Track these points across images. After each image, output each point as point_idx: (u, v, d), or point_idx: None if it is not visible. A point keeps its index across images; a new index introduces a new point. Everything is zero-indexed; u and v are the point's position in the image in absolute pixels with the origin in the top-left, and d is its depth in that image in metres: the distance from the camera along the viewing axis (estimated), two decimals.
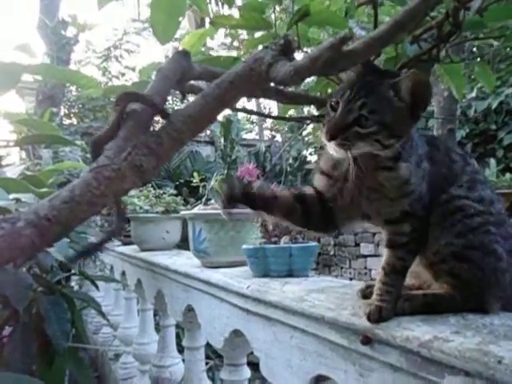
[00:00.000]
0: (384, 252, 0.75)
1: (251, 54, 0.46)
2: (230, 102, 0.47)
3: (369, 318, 0.71)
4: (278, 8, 0.75)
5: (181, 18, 0.67)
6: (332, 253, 5.13)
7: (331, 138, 0.65)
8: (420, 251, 0.76)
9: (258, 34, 0.84)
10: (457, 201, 0.73)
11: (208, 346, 1.59)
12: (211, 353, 2.64)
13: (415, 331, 0.66)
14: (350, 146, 0.65)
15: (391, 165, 0.70)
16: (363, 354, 0.75)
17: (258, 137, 12.67)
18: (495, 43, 0.76)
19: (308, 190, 0.81)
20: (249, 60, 0.45)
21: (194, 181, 1.76)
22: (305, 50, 0.82)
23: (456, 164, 0.77)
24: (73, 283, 2.47)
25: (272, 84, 0.47)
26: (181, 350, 1.87)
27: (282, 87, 0.66)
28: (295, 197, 0.81)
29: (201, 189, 1.73)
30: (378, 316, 0.71)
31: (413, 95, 0.63)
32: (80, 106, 7.90)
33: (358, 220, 0.80)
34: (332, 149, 0.67)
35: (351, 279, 4.71)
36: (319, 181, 0.80)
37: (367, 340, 0.73)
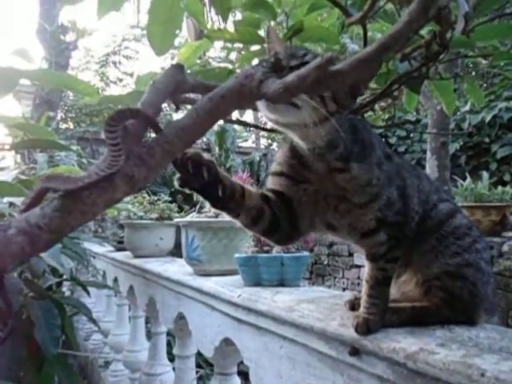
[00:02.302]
0: (366, 264, 0.75)
1: (243, 69, 0.47)
2: (222, 116, 0.48)
3: (356, 330, 0.72)
4: (272, 23, 0.77)
5: (177, 31, 0.69)
6: (326, 262, 5.14)
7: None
8: (410, 273, 0.77)
9: (254, 48, 0.86)
10: (446, 226, 0.75)
11: (199, 354, 1.59)
12: (202, 361, 2.62)
13: (402, 343, 0.67)
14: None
15: (341, 166, 0.68)
16: (351, 364, 0.76)
17: (254, 145, 12.70)
18: (484, 61, 0.78)
19: (268, 193, 0.75)
20: (240, 76, 0.46)
21: None
22: None
23: (424, 181, 0.79)
24: (64, 289, 2.46)
25: None
26: (172, 358, 1.86)
27: None
28: (262, 197, 0.74)
29: (195, 196, 1.73)
30: (365, 328, 0.71)
31: None
32: (77, 110, 7.91)
33: (321, 229, 0.77)
34: (272, 108, 0.57)
35: (344, 289, 4.71)
36: (277, 181, 0.75)
37: (355, 351, 0.74)
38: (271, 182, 0.76)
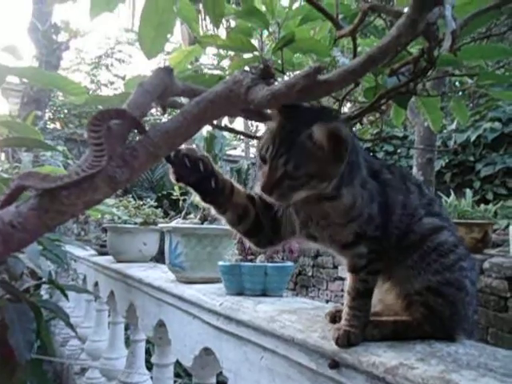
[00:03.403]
0: (348, 276, 0.75)
1: (232, 74, 0.47)
2: (209, 120, 0.48)
3: (337, 343, 0.71)
4: (266, 33, 0.77)
5: (169, 35, 0.69)
6: (310, 274, 5.13)
7: (268, 194, 0.66)
8: (392, 284, 0.77)
9: (246, 56, 0.86)
10: (429, 241, 0.74)
11: (178, 363, 1.56)
12: (181, 371, 2.58)
13: (382, 357, 0.67)
14: (288, 196, 0.66)
15: (334, 193, 0.69)
16: (330, 377, 0.75)
17: (244, 154, 12.72)
18: (470, 81, 0.80)
19: (254, 195, 0.77)
20: (228, 81, 0.46)
21: (175, 194, 1.75)
22: (292, 74, 0.84)
23: (413, 195, 0.78)
24: (43, 292, 2.39)
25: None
26: (150, 366, 1.82)
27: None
28: (248, 197, 0.76)
29: (181, 202, 1.72)
30: (346, 341, 0.71)
31: (329, 140, 0.62)
32: (66, 111, 7.81)
33: (302, 238, 0.78)
34: (273, 201, 0.68)
35: (328, 301, 4.70)
36: None
37: (335, 364, 0.73)
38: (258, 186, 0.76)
